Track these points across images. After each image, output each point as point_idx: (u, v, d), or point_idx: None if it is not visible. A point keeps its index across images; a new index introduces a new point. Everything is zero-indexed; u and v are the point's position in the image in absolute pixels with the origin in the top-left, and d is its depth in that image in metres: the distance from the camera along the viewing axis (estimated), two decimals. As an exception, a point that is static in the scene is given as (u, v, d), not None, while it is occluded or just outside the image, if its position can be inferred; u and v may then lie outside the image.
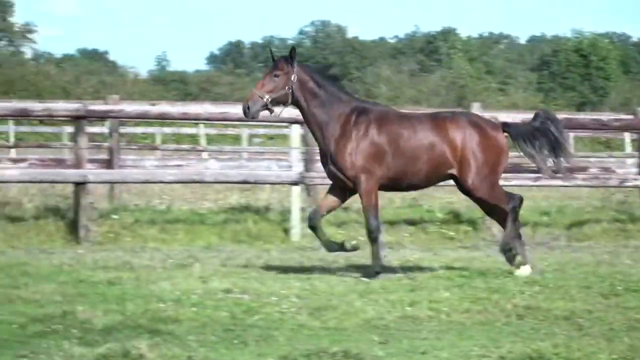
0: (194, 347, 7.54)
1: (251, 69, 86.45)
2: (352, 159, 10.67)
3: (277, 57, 10.89)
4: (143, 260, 11.96)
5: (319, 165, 11.56)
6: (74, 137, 15.68)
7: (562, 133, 10.91)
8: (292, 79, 10.73)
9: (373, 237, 10.82)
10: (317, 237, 11.16)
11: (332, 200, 10.99)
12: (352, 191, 10.92)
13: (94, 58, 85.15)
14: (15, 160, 20.06)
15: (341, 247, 10.98)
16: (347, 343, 7.70)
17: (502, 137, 10.85)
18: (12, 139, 32.33)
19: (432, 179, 10.99)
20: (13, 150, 26.89)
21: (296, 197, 15.02)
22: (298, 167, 15.41)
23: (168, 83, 72.30)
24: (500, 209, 10.85)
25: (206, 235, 14.65)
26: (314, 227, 10.98)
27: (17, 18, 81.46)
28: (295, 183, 14.95)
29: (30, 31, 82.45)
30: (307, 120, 11.00)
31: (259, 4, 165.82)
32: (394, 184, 10.92)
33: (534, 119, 11.05)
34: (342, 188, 10.90)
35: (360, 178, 10.70)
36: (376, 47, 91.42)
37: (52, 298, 9.30)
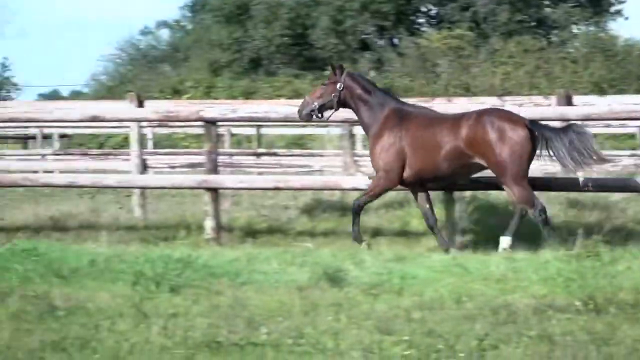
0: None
1: None
2: (377, 158, 11.95)
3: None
4: None
5: None
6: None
7: (587, 147, 11.45)
8: (339, 87, 12.24)
9: (353, 211, 12.03)
10: (437, 238, 12.13)
11: (424, 199, 12.11)
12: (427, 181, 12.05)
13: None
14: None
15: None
16: None
17: (521, 132, 11.51)
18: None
19: (458, 174, 12.01)
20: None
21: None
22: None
23: None
24: None
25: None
26: (431, 227, 12.10)
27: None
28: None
29: None
30: (360, 122, 12.37)
31: None
32: (419, 180, 12.07)
33: (565, 127, 11.75)
34: (419, 184, 12.07)
35: (378, 174, 11.98)
36: None
37: None
